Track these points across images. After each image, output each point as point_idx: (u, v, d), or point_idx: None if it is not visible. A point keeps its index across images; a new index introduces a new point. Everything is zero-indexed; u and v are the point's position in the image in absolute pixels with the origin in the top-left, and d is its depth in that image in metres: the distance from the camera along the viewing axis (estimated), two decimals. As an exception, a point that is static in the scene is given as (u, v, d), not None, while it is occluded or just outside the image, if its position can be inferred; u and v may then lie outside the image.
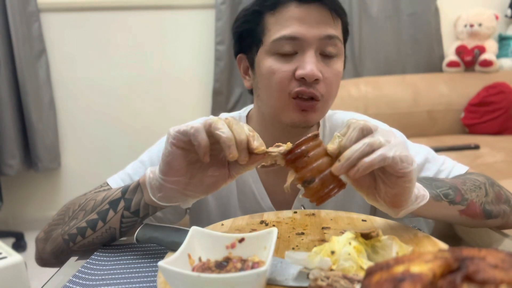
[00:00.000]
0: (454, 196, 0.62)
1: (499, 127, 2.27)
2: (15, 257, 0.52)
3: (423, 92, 2.31)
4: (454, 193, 0.63)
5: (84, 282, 0.55)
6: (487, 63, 2.36)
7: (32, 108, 2.36)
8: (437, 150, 0.83)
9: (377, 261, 0.48)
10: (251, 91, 0.83)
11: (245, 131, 0.54)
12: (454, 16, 2.50)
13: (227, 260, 0.49)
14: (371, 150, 0.49)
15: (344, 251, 0.47)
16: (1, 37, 2.28)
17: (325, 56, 0.72)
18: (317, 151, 0.53)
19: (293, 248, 0.58)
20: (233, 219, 0.69)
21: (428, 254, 0.32)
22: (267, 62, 0.72)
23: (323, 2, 0.70)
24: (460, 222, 0.68)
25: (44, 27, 2.38)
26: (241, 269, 0.47)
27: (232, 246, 0.51)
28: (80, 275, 0.57)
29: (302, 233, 0.62)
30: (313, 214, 0.70)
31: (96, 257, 0.63)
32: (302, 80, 0.69)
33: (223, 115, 0.88)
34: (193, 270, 0.47)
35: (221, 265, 0.48)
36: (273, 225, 0.66)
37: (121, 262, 0.61)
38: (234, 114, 0.87)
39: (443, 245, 0.56)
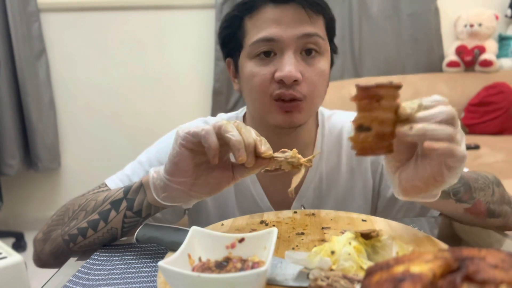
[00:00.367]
0: (462, 194, 0.62)
1: (499, 127, 2.27)
2: (15, 257, 0.52)
3: (423, 92, 2.31)
4: (464, 191, 0.62)
5: (84, 282, 0.55)
6: (487, 63, 2.36)
7: (32, 108, 2.36)
8: (437, 150, 0.83)
9: (377, 261, 0.48)
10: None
11: (253, 135, 0.55)
12: (454, 16, 2.50)
13: (227, 260, 0.49)
14: (450, 136, 0.46)
15: (344, 251, 0.47)
16: (1, 37, 2.29)
17: (306, 56, 0.71)
18: (390, 103, 0.48)
19: (293, 248, 0.57)
20: (233, 219, 0.69)
21: (428, 254, 0.32)
22: (247, 66, 0.73)
23: (298, 1, 0.69)
24: (462, 218, 0.68)
25: (44, 27, 2.38)
26: (241, 269, 0.47)
27: (232, 246, 0.51)
28: (80, 275, 0.57)
29: (302, 233, 0.62)
30: (313, 214, 0.70)
31: (96, 257, 0.63)
32: (282, 82, 0.69)
33: (221, 115, 0.88)
34: (193, 270, 0.47)
35: (221, 265, 0.48)
36: (273, 225, 0.66)
37: (121, 262, 0.61)
38: (232, 114, 0.88)
39: (443, 245, 0.56)
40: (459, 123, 0.48)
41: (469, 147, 1.99)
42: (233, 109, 2.47)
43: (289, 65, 0.68)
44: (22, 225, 2.50)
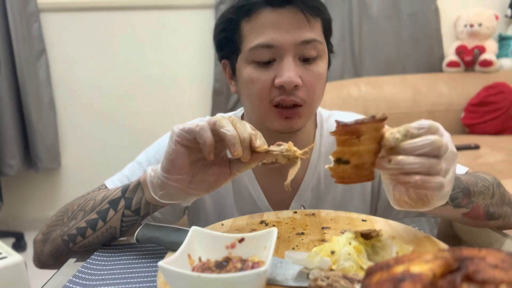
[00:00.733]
0: (461, 200, 0.62)
1: (499, 127, 2.27)
2: (15, 257, 0.52)
3: (423, 92, 2.31)
4: (462, 197, 0.62)
5: (84, 282, 0.55)
6: (487, 63, 2.36)
7: (32, 108, 2.36)
8: (437, 150, 0.82)
9: (377, 261, 0.48)
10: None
11: (248, 129, 0.55)
12: (454, 16, 2.50)
13: (227, 260, 0.49)
14: (429, 171, 0.46)
15: (344, 251, 0.47)
16: (1, 37, 2.29)
17: (305, 60, 0.71)
18: (372, 135, 0.48)
19: (293, 248, 0.57)
20: (233, 219, 0.69)
21: (428, 254, 0.32)
22: (246, 71, 0.72)
23: (296, 5, 0.68)
24: (461, 222, 0.68)
25: (44, 27, 2.38)
26: (241, 269, 0.47)
27: (232, 246, 0.51)
28: (80, 275, 0.57)
29: (302, 233, 0.62)
30: (313, 214, 0.70)
31: (96, 257, 0.63)
32: (282, 88, 0.68)
33: (219, 115, 0.88)
34: (193, 270, 0.47)
35: (221, 265, 0.48)
36: (273, 225, 0.66)
37: (121, 262, 0.61)
38: (230, 114, 0.88)
39: (443, 245, 0.56)
40: (447, 148, 0.47)
41: (469, 147, 1.99)
42: (233, 109, 2.47)
43: (288, 71, 0.67)
44: (22, 225, 2.50)
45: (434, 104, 2.29)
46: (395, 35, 2.48)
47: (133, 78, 2.48)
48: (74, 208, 0.68)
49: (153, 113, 2.51)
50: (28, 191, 2.57)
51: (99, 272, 0.58)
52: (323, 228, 0.64)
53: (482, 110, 2.26)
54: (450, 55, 2.47)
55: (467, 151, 1.96)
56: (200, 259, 0.49)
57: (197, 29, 2.45)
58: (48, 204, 2.56)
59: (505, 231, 0.71)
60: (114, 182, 0.77)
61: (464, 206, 0.63)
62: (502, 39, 2.51)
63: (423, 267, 0.30)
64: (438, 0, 2.47)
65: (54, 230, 0.68)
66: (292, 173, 0.56)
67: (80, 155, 2.54)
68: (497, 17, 2.42)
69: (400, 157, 0.47)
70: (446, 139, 0.48)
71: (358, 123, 0.47)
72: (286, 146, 0.56)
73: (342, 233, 0.61)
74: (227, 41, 0.75)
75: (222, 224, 0.67)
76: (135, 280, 0.56)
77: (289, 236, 0.62)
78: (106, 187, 0.76)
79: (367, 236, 0.51)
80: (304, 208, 0.80)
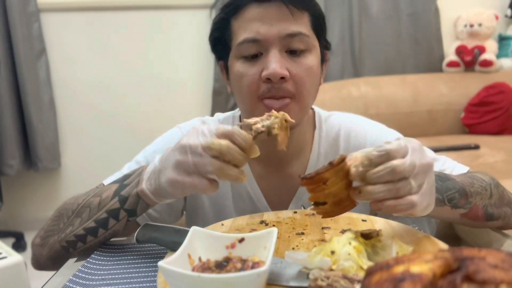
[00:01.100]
0: (458, 200, 0.62)
1: (499, 127, 2.27)
2: (15, 257, 0.52)
3: (423, 92, 2.31)
4: (459, 197, 0.62)
5: (84, 282, 0.55)
6: (487, 63, 2.36)
7: (32, 108, 2.35)
8: (437, 150, 0.83)
9: (377, 261, 0.48)
10: None
11: (232, 150, 0.52)
12: (454, 16, 2.50)
13: (227, 260, 0.49)
14: (398, 195, 0.48)
15: (344, 251, 0.47)
16: (1, 37, 2.28)
17: (293, 53, 0.70)
18: (337, 176, 0.50)
19: (293, 248, 0.57)
20: (233, 219, 0.69)
21: (428, 254, 0.32)
22: (235, 67, 0.72)
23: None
24: (460, 223, 0.68)
25: (44, 27, 2.38)
26: (241, 269, 0.47)
27: (232, 246, 0.51)
28: (80, 275, 0.57)
29: (302, 233, 0.62)
30: (313, 214, 0.70)
31: (96, 257, 0.63)
32: (269, 81, 0.69)
33: (218, 115, 0.88)
34: (193, 270, 0.47)
35: (221, 265, 0.48)
36: (273, 225, 0.66)
37: (121, 262, 0.61)
38: (228, 114, 0.88)
39: (443, 245, 0.56)
40: (414, 167, 0.48)
41: (469, 147, 1.99)
42: (232, 109, 2.45)
43: (274, 63, 0.67)
44: (22, 225, 2.50)
45: (434, 104, 2.29)
46: (395, 35, 2.48)
47: (133, 78, 2.47)
48: (68, 213, 0.67)
49: (153, 113, 2.51)
50: (28, 191, 2.56)
51: (99, 272, 0.58)
52: (323, 228, 0.64)
53: (482, 110, 2.26)
54: (450, 55, 2.47)
55: (467, 151, 1.96)
56: (200, 259, 0.49)
57: (197, 29, 2.45)
58: (48, 204, 2.56)
59: (505, 231, 0.71)
60: None
61: (461, 207, 0.63)
62: (502, 39, 2.51)
63: (423, 267, 0.30)
64: (438, 0, 2.47)
65: (51, 235, 0.67)
66: (283, 139, 0.57)
67: (80, 155, 2.54)
68: (497, 17, 2.42)
69: (368, 188, 0.48)
70: (411, 158, 0.48)
71: (318, 173, 0.49)
72: (278, 116, 0.57)
73: (342, 233, 0.61)
74: (219, 41, 0.76)
75: (222, 224, 0.67)
76: (135, 280, 0.56)
77: (289, 236, 0.62)
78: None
79: (367, 236, 0.51)
80: (304, 208, 0.80)
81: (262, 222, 0.68)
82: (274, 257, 0.50)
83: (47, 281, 0.59)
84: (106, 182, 0.77)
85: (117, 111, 2.50)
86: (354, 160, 0.49)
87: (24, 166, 2.45)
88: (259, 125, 0.55)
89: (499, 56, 2.45)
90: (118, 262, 0.61)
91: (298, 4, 0.70)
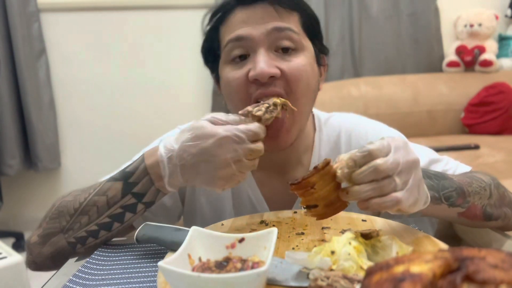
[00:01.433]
0: (455, 199, 0.62)
1: (499, 127, 2.27)
2: (15, 257, 0.52)
3: (423, 92, 2.31)
4: (457, 196, 0.62)
5: (84, 282, 0.55)
6: (487, 63, 2.36)
7: (32, 108, 2.35)
8: (437, 150, 0.83)
9: (377, 261, 0.48)
10: None
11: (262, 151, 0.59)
12: (454, 16, 2.50)
13: (227, 260, 0.49)
14: (382, 193, 0.49)
15: (344, 251, 0.47)
16: (1, 37, 2.28)
17: (282, 52, 0.68)
18: (324, 180, 0.52)
19: (293, 248, 0.57)
20: (233, 219, 0.69)
21: (428, 254, 0.32)
22: (224, 73, 0.71)
23: (266, 0, 0.67)
24: (458, 222, 0.68)
25: (44, 27, 2.38)
26: (241, 269, 0.47)
27: (232, 246, 0.51)
28: (80, 274, 0.57)
29: (302, 233, 0.62)
30: (313, 214, 0.70)
31: (96, 257, 0.63)
32: (258, 82, 0.66)
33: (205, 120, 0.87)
34: (193, 270, 0.47)
35: (221, 265, 0.48)
36: (273, 225, 0.66)
37: (121, 262, 0.61)
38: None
39: (443, 245, 0.56)
40: (398, 165, 0.49)
41: (469, 147, 1.99)
42: (233, 109, 2.47)
43: (261, 62, 0.65)
44: (22, 225, 2.50)
45: (434, 104, 2.29)
46: (395, 35, 2.48)
47: (133, 78, 2.47)
48: (70, 212, 0.66)
49: (153, 113, 2.51)
50: (28, 191, 2.56)
51: (99, 272, 0.58)
52: (323, 228, 0.64)
53: (482, 110, 2.26)
54: (450, 55, 2.47)
55: (467, 151, 1.96)
56: (200, 259, 0.49)
57: (197, 29, 2.43)
58: (48, 204, 2.53)
59: (506, 232, 0.70)
60: None
61: (459, 205, 0.62)
62: (502, 39, 2.51)
63: (423, 267, 0.30)
64: (438, 0, 2.47)
65: (53, 233, 0.67)
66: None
67: (80, 155, 2.54)
68: (497, 17, 2.42)
69: (355, 188, 0.50)
70: (394, 156, 0.49)
71: (304, 178, 0.51)
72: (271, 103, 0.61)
73: (342, 233, 0.61)
74: (210, 51, 0.75)
75: (222, 224, 0.67)
76: (135, 280, 0.56)
77: (289, 236, 0.62)
78: None
79: (367, 236, 0.51)
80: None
81: (262, 222, 0.68)
82: (274, 257, 0.50)
83: (47, 281, 0.59)
84: None
85: (117, 111, 2.50)
86: (340, 163, 0.51)
87: (24, 166, 2.45)
88: (267, 116, 0.60)
89: (499, 56, 2.45)
90: (118, 262, 0.61)
91: (286, 5, 0.68)
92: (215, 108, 2.47)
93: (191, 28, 2.45)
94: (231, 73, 0.69)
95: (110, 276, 0.57)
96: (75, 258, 0.66)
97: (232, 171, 0.57)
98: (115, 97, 2.48)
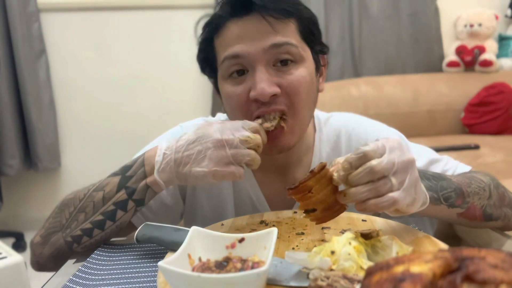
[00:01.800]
0: (454, 200, 0.61)
1: (499, 127, 2.27)
2: (15, 257, 0.52)
3: (423, 92, 2.31)
4: (456, 196, 0.61)
5: (84, 282, 0.55)
6: (487, 63, 2.35)
7: (32, 108, 2.35)
8: (437, 150, 0.83)
9: (377, 261, 0.48)
10: None
11: (262, 144, 0.62)
12: (454, 16, 2.50)
13: (227, 260, 0.49)
14: (379, 194, 0.49)
15: (344, 251, 0.47)
16: (1, 37, 2.28)
17: (282, 66, 0.67)
18: (321, 183, 0.52)
19: (293, 248, 0.58)
20: (233, 219, 0.69)
21: (428, 254, 0.32)
22: (224, 87, 0.70)
23: (259, 11, 0.65)
24: (458, 223, 0.68)
25: (44, 27, 2.38)
26: (241, 269, 0.47)
27: (232, 246, 0.51)
28: (80, 274, 0.57)
29: (302, 233, 0.62)
30: (313, 214, 0.70)
31: (96, 257, 0.63)
32: (259, 101, 0.65)
33: (219, 115, 0.88)
34: (193, 270, 0.47)
35: (221, 265, 0.48)
36: (273, 225, 0.66)
37: (121, 262, 0.61)
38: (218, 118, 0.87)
39: (443, 245, 0.56)
40: (393, 165, 0.49)
41: (469, 147, 1.99)
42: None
43: (261, 82, 0.64)
44: (22, 225, 2.50)
45: (434, 104, 2.29)
46: (395, 35, 2.48)
47: (133, 78, 2.47)
48: (70, 209, 0.67)
49: (153, 113, 2.51)
50: (28, 191, 2.56)
51: (99, 272, 0.58)
52: (323, 228, 0.64)
53: (482, 110, 2.26)
54: (450, 55, 2.47)
55: (467, 151, 1.96)
56: (200, 259, 0.49)
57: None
58: (48, 204, 2.54)
59: (506, 232, 0.70)
60: None
61: (458, 206, 0.62)
62: (502, 39, 2.51)
63: (423, 267, 0.30)
64: (438, 0, 2.47)
65: (53, 232, 0.67)
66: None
67: (80, 155, 2.54)
68: (497, 17, 2.42)
69: (351, 190, 0.51)
70: (389, 157, 0.50)
71: (301, 182, 0.52)
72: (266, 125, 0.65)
73: (342, 233, 0.61)
74: (206, 61, 0.74)
75: (222, 224, 0.67)
76: (135, 280, 0.56)
77: (289, 236, 0.62)
78: None
79: (367, 236, 0.51)
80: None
81: (262, 222, 0.68)
82: (274, 257, 0.50)
83: (47, 281, 0.59)
84: None
85: (117, 111, 2.50)
86: (336, 166, 0.52)
87: (24, 166, 2.45)
88: (268, 124, 0.65)
89: (499, 56, 2.45)
90: (118, 262, 0.61)
91: (280, 14, 0.66)
92: (215, 108, 2.47)
93: (191, 28, 2.44)
94: (231, 89, 0.69)
95: (110, 276, 0.57)
96: (74, 260, 0.66)
97: (226, 155, 0.59)
98: (115, 97, 2.48)
